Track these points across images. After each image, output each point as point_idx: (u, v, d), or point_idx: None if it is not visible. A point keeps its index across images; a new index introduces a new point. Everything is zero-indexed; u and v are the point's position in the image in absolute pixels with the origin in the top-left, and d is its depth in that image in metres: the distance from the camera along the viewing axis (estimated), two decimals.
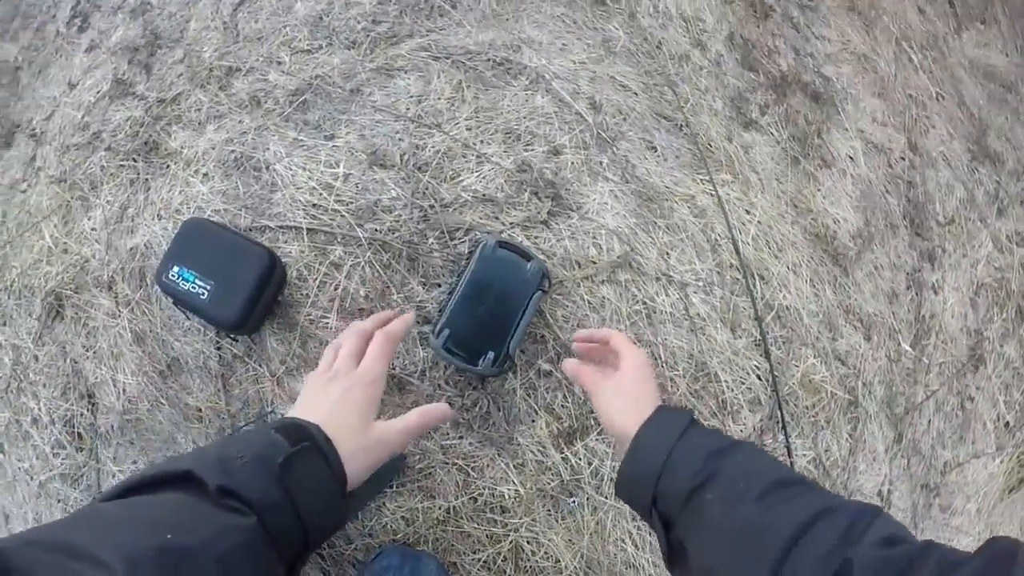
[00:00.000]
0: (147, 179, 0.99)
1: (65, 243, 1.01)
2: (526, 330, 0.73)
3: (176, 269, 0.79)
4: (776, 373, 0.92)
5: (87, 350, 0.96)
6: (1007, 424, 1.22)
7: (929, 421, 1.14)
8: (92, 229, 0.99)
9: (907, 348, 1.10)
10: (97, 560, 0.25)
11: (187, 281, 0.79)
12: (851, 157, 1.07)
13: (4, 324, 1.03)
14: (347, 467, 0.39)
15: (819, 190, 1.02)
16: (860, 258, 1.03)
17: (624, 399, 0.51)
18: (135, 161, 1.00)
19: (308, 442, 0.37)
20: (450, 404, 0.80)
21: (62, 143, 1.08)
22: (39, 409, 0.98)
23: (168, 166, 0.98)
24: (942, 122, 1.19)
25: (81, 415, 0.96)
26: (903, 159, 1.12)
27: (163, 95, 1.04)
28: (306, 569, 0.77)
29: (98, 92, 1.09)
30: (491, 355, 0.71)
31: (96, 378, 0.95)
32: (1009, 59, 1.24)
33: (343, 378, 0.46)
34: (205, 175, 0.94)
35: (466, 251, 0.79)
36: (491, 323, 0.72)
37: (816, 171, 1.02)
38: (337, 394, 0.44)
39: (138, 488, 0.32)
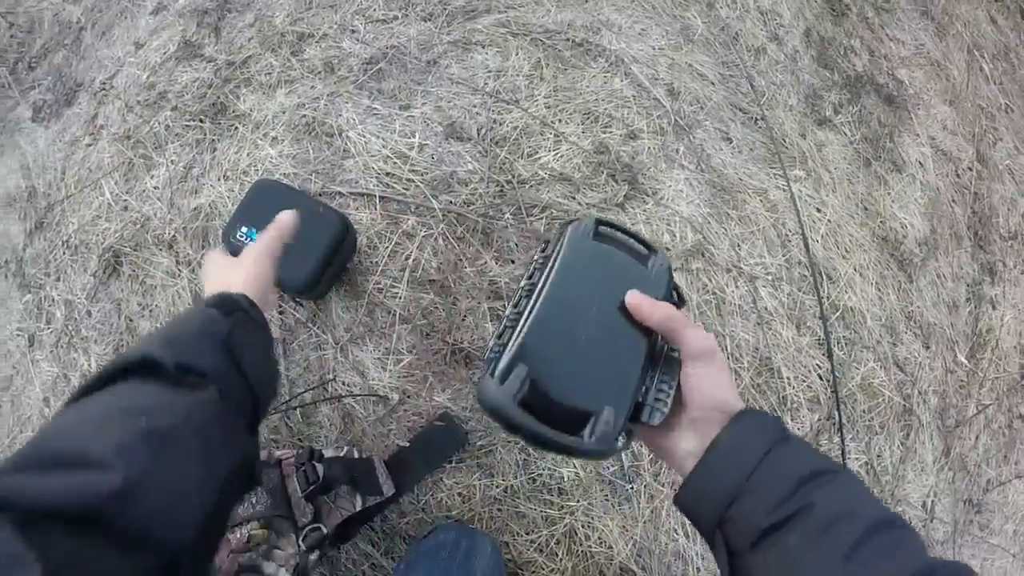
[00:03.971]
0: (214, 140, 0.98)
1: (126, 200, 1.01)
2: (668, 376, 0.40)
3: (244, 229, 0.78)
4: (837, 374, 0.91)
5: (143, 308, 0.96)
6: None
7: (977, 437, 1.12)
8: (155, 188, 0.99)
9: (963, 360, 1.08)
10: (91, 461, 0.27)
11: (251, 235, 0.78)
12: (921, 163, 1.05)
13: (58, 279, 1.03)
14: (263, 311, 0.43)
15: (889, 194, 1.01)
16: (925, 265, 1.02)
17: (732, 379, 0.45)
18: (202, 122, 1.00)
19: (240, 311, 0.40)
20: None
21: (126, 102, 1.07)
22: (89, 365, 0.97)
23: (236, 128, 0.98)
24: (1010, 135, 1.17)
25: None
26: (970, 170, 1.11)
27: (232, 58, 1.03)
28: (356, 540, 0.77)
29: (165, 53, 1.09)
30: (607, 415, 0.37)
31: None
32: None
33: (215, 261, 0.50)
34: (274, 138, 0.94)
35: (543, 239, 0.47)
36: (600, 357, 0.39)
37: (887, 174, 1.01)
38: (226, 265, 0.47)
39: (100, 385, 0.33)
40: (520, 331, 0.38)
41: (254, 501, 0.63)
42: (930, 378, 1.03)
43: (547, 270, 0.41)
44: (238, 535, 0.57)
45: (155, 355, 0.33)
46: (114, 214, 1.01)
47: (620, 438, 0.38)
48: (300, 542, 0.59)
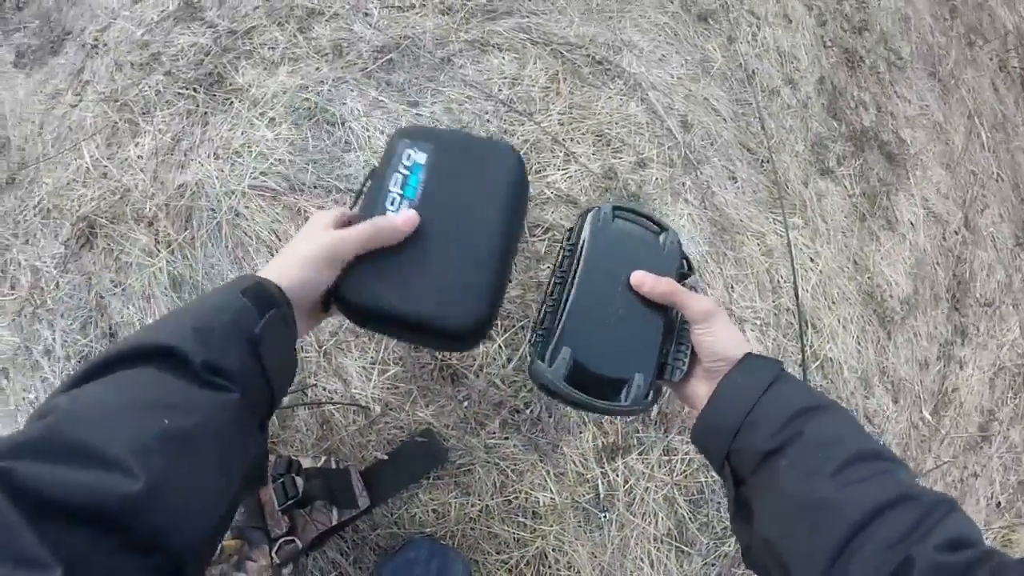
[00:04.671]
0: (206, 113, 0.93)
1: (106, 167, 0.95)
2: (683, 338, 0.47)
3: (419, 154, 0.48)
4: None
5: (116, 286, 0.90)
6: (999, 504, 1.26)
7: (931, 488, 1.17)
8: (138, 157, 0.93)
9: (927, 416, 1.12)
10: (108, 459, 0.26)
11: (410, 181, 0.47)
12: (912, 223, 1.07)
13: (27, 242, 0.96)
14: (299, 317, 0.41)
15: (879, 251, 1.03)
16: (904, 323, 1.05)
17: (738, 332, 0.46)
18: (196, 91, 0.94)
19: (275, 309, 0.37)
20: (501, 404, 0.78)
21: (116, 59, 1.01)
22: (53, 339, 0.91)
23: (231, 102, 0.93)
24: (996, 203, 1.21)
25: None
26: (957, 234, 1.14)
27: (235, 26, 0.98)
28: (325, 549, 0.75)
29: (163, 11, 1.02)
30: (638, 380, 0.44)
31: (122, 317, 0.89)
32: None
33: (307, 227, 0.45)
34: (272, 119, 0.90)
35: (566, 231, 0.51)
36: (627, 331, 0.46)
37: (879, 231, 1.03)
38: (299, 242, 0.43)
39: (118, 363, 0.31)
40: (560, 318, 0.46)
41: None
42: (895, 431, 1.07)
43: (575, 259, 0.48)
44: None
45: (184, 349, 0.32)
46: (92, 180, 0.95)
47: (650, 395, 0.46)
48: (273, 555, 0.58)
